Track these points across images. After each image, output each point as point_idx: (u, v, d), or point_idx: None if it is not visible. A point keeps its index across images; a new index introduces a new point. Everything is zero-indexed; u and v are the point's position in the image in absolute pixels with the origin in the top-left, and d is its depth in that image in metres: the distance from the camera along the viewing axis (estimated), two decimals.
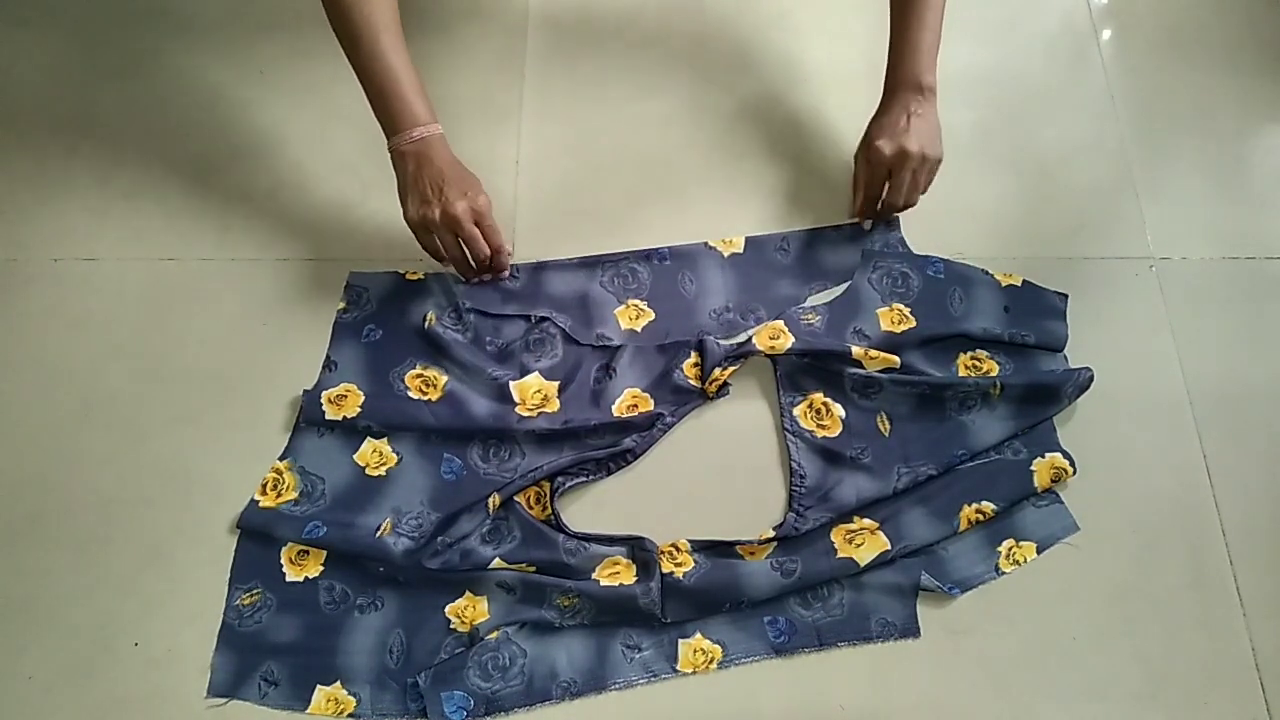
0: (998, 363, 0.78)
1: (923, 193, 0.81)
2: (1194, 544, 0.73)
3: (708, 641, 0.69)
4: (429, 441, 0.75)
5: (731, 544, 0.71)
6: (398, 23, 0.73)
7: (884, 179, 0.80)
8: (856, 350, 0.75)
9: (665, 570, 0.69)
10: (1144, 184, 0.87)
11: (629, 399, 0.76)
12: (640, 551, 0.70)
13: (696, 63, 0.80)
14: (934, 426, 0.76)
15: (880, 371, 0.76)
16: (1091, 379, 0.76)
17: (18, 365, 0.78)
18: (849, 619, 0.70)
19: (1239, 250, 0.84)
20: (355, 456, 0.74)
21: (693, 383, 0.77)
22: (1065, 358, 0.79)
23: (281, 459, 0.74)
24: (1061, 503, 0.74)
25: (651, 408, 0.76)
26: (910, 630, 0.69)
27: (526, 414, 0.75)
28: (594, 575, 0.69)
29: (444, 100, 0.90)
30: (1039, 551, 0.72)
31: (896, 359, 0.76)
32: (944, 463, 0.73)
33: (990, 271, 0.82)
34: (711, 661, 0.68)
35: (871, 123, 0.80)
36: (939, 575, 0.70)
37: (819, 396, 0.77)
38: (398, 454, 0.74)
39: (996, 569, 0.71)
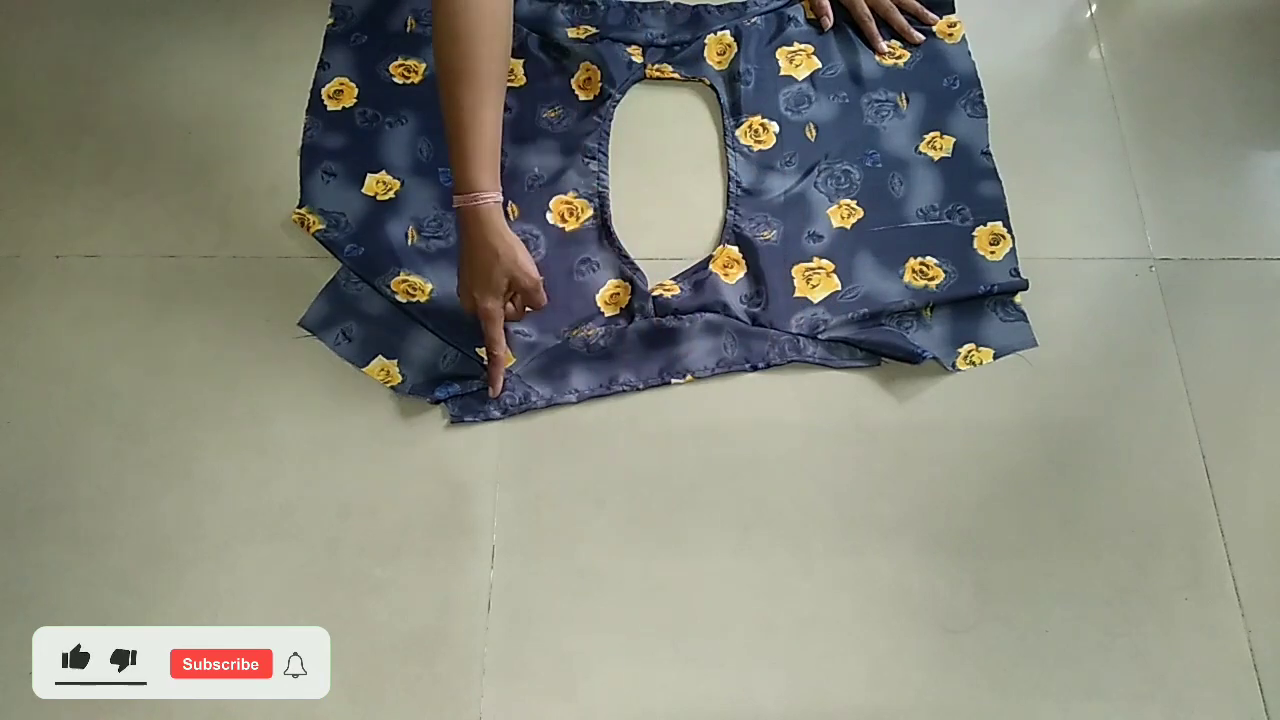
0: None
1: None
2: (1193, 544, 0.73)
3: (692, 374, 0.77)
4: (421, 160, 0.85)
5: (704, 265, 0.80)
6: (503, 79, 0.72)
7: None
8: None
9: (655, 293, 0.78)
10: (1144, 184, 0.87)
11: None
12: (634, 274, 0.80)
13: None
14: (850, 130, 0.87)
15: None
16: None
17: (20, 361, 0.78)
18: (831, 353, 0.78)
19: (1239, 250, 0.84)
20: (363, 190, 0.84)
21: (635, 59, 0.89)
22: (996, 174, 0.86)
23: (300, 207, 0.82)
24: (1026, 320, 0.79)
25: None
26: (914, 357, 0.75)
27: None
28: (595, 298, 0.80)
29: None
30: (995, 358, 0.78)
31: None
32: (856, 160, 0.85)
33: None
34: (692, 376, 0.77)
35: None
36: (908, 351, 0.76)
37: (757, 119, 0.87)
38: (399, 180, 0.84)
39: (954, 366, 0.77)
